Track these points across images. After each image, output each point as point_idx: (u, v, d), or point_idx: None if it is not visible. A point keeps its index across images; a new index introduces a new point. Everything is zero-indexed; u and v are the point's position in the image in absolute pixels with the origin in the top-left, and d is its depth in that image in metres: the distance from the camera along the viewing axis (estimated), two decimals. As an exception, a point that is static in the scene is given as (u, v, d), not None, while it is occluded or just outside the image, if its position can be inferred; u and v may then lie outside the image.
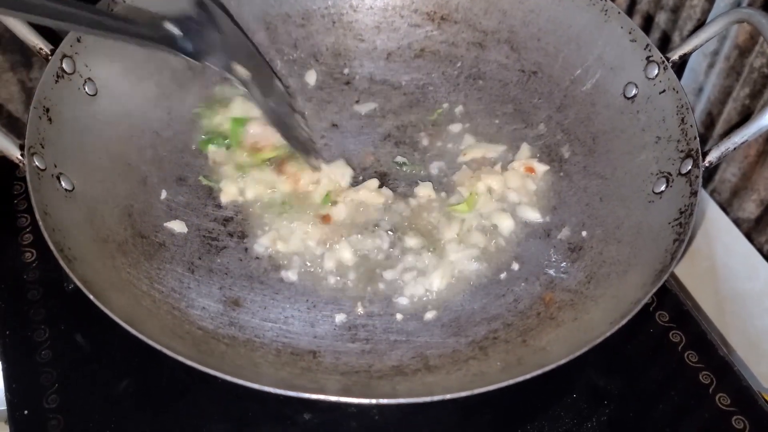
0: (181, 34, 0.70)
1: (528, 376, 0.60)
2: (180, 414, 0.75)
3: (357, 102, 0.94)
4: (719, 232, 0.96)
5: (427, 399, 0.58)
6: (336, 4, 0.97)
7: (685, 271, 0.96)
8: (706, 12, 0.94)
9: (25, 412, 0.73)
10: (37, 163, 0.70)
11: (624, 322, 0.63)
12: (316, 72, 0.95)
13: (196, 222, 0.82)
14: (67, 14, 0.59)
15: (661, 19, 1.01)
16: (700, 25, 0.94)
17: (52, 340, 0.79)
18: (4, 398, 0.75)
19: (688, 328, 0.84)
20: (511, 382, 0.59)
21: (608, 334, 0.63)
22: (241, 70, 0.77)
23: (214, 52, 0.73)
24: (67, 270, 0.63)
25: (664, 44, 1.01)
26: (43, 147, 0.72)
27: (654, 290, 0.66)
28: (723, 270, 0.95)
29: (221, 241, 0.81)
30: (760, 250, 0.92)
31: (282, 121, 0.81)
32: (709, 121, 0.98)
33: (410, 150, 0.91)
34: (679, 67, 0.98)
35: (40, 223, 0.66)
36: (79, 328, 0.80)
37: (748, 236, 0.95)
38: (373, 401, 0.59)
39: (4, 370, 0.76)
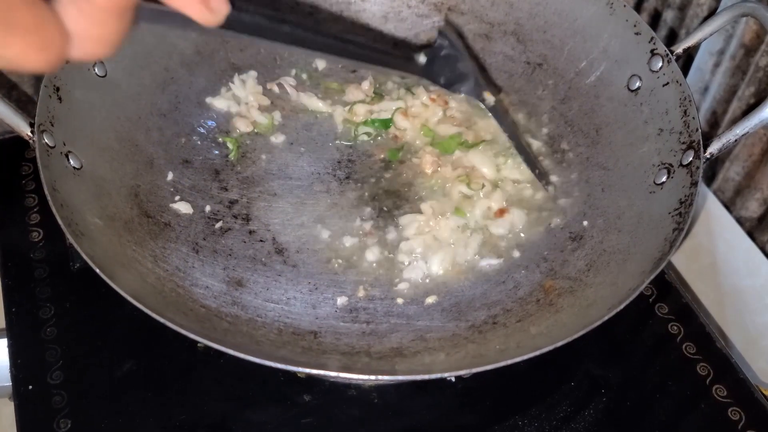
0: (430, 63, 0.74)
1: (526, 357, 0.60)
2: (181, 393, 0.76)
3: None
4: (722, 230, 0.96)
5: (426, 377, 0.59)
6: (344, -7, 0.98)
7: (686, 267, 0.97)
8: (712, 10, 0.95)
9: (30, 387, 0.74)
10: (46, 140, 0.71)
11: (621, 307, 0.64)
12: (325, 60, 0.97)
13: (201, 203, 0.82)
14: (329, 44, 0.61)
15: (668, 16, 1.02)
16: (707, 22, 0.95)
17: (58, 317, 0.80)
18: (9, 374, 0.76)
19: (687, 321, 0.85)
20: (510, 362, 0.60)
21: (605, 318, 0.63)
22: (489, 97, 0.82)
23: (463, 80, 0.78)
24: (75, 245, 0.64)
25: (671, 41, 1.02)
26: (52, 125, 0.73)
27: (652, 277, 0.66)
28: (724, 266, 0.95)
29: (226, 222, 0.82)
30: (762, 249, 0.92)
31: (519, 141, 0.86)
32: (714, 120, 0.99)
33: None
34: (685, 65, 0.99)
35: (49, 198, 0.67)
36: (84, 307, 0.81)
37: (751, 234, 0.95)
38: (372, 377, 0.60)
39: (9, 346, 0.77)
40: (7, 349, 0.77)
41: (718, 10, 0.92)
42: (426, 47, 0.76)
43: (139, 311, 0.61)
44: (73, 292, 0.82)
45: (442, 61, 0.75)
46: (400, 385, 0.77)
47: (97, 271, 0.62)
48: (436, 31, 0.80)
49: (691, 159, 0.75)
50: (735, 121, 0.94)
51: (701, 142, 0.75)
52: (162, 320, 0.60)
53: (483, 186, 0.84)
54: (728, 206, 0.98)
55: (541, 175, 0.85)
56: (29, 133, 0.71)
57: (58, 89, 0.75)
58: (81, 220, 0.69)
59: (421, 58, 0.74)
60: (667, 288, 0.87)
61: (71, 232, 0.65)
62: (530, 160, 0.85)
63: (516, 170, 0.86)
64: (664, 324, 0.84)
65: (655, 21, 1.05)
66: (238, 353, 0.59)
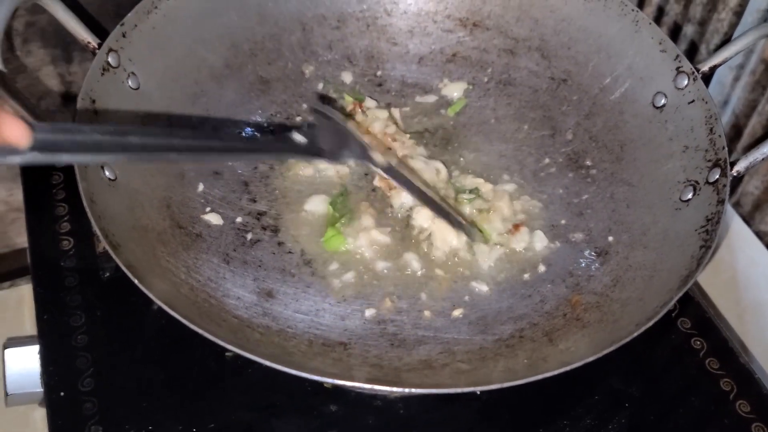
0: (310, 140, 0.74)
1: (554, 373, 0.61)
2: (209, 402, 0.77)
3: (389, 105, 0.96)
4: (742, 244, 0.97)
5: (458, 390, 0.60)
6: (371, 7, 0.99)
7: (707, 281, 0.97)
8: (733, 25, 0.95)
9: (61, 394, 0.75)
10: (83, 152, 0.72)
11: (650, 324, 0.65)
12: (352, 74, 0.98)
13: (231, 215, 0.84)
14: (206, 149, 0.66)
15: (689, 30, 1.02)
16: (727, 39, 0.96)
17: (88, 325, 0.81)
18: (40, 381, 0.77)
19: (709, 336, 0.85)
20: (538, 377, 0.61)
21: (634, 335, 0.64)
22: (378, 157, 0.79)
23: (347, 147, 0.77)
24: (114, 256, 0.65)
25: (691, 55, 1.03)
26: (89, 137, 0.74)
27: (680, 294, 0.67)
28: (745, 280, 0.95)
29: (255, 234, 0.83)
30: (782, 263, 0.93)
31: (424, 196, 0.82)
32: (734, 134, 0.99)
33: (440, 150, 0.92)
34: (706, 79, 1.00)
35: (88, 210, 0.68)
36: (114, 315, 0.82)
37: (770, 248, 0.96)
38: (406, 390, 0.61)
39: (41, 353, 0.79)
40: (38, 356, 0.79)
41: (739, 30, 0.93)
42: (298, 127, 0.77)
43: (168, 320, 0.62)
44: (104, 300, 0.83)
45: (322, 135, 0.75)
46: (425, 396, 0.78)
47: (136, 282, 0.63)
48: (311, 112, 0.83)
49: (717, 177, 0.76)
50: (755, 136, 0.95)
51: (728, 160, 0.76)
52: (200, 330, 0.61)
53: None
54: (747, 220, 0.98)
55: (461, 226, 0.81)
56: (67, 146, 0.72)
57: (93, 101, 0.77)
58: (117, 230, 0.70)
59: (297, 137, 0.72)
60: (690, 302, 0.88)
61: (109, 243, 0.67)
62: (443, 212, 0.80)
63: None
64: (687, 339, 0.85)
65: (675, 35, 1.05)
66: (273, 364, 0.60)
